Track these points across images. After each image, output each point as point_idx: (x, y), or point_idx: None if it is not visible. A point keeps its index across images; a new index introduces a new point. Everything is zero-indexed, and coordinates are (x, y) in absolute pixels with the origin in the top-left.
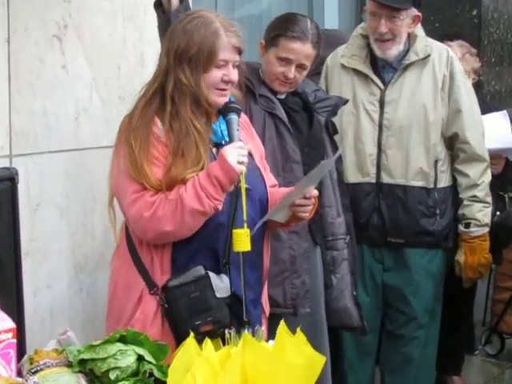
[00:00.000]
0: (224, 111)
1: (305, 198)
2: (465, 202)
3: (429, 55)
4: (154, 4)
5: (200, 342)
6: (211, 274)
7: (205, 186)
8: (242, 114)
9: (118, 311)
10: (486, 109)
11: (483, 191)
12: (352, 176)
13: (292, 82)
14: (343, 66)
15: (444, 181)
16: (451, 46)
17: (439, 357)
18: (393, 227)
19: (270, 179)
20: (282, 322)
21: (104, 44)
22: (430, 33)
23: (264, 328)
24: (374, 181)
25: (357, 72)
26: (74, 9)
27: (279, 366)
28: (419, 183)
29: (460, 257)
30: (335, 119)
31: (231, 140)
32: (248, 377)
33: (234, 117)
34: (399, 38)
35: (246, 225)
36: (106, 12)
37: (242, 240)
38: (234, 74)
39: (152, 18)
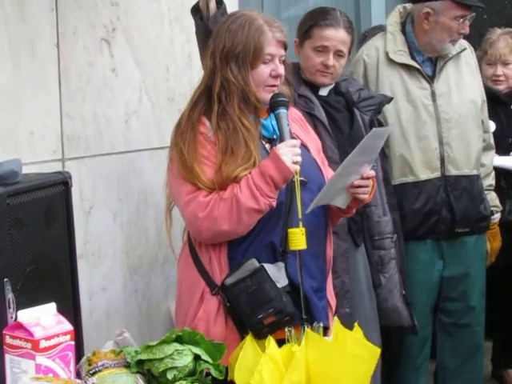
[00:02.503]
0: (272, 106)
1: (362, 178)
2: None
3: (465, 48)
4: (192, 10)
5: (267, 334)
6: (266, 265)
7: (259, 185)
8: (296, 110)
9: (184, 312)
10: None
11: (494, 180)
12: (422, 173)
13: (333, 72)
14: (391, 62)
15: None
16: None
17: (495, 350)
18: (461, 218)
19: (328, 172)
20: (336, 319)
21: (152, 46)
22: (478, 24)
23: (331, 324)
24: (440, 175)
25: (404, 67)
26: (122, 12)
27: (343, 358)
28: (475, 171)
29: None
30: (391, 117)
31: (282, 136)
32: (311, 373)
33: (282, 111)
34: None
35: (301, 223)
36: (153, 14)
37: (297, 239)
38: (281, 69)
39: None
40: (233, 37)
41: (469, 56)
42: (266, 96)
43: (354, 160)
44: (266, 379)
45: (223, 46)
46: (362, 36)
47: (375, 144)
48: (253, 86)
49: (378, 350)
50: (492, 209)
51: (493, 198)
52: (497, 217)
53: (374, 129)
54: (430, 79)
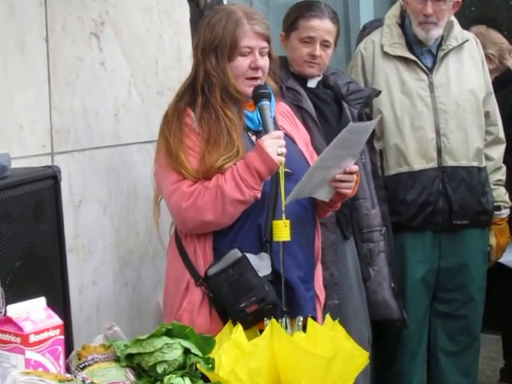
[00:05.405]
0: (254, 98)
1: (345, 172)
2: (492, 186)
3: (467, 40)
4: None
5: (250, 323)
6: (249, 255)
7: (244, 176)
8: (284, 104)
9: (170, 304)
10: None
11: (504, 175)
12: (416, 163)
13: (320, 63)
14: (386, 55)
15: (484, 160)
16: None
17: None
18: (459, 209)
19: None
20: (328, 316)
21: (141, 39)
22: (466, 17)
23: (319, 316)
24: (436, 165)
25: (400, 59)
26: (111, 5)
27: (305, 356)
28: (476, 163)
29: (491, 240)
30: (385, 107)
31: (265, 127)
32: (278, 364)
33: (265, 103)
34: (442, 22)
35: (284, 215)
36: (142, 7)
37: (281, 230)
38: (261, 61)
39: (188, 12)
40: (211, 30)
41: (472, 48)
42: (247, 88)
43: (333, 153)
44: (223, 363)
45: (203, 40)
46: (362, 28)
47: (357, 138)
48: (232, 78)
49: (364, 354)
50: (500, 204)
51: (501, 194)
52: (505, 212)
53: (350, 123)
54: (429, 70)
